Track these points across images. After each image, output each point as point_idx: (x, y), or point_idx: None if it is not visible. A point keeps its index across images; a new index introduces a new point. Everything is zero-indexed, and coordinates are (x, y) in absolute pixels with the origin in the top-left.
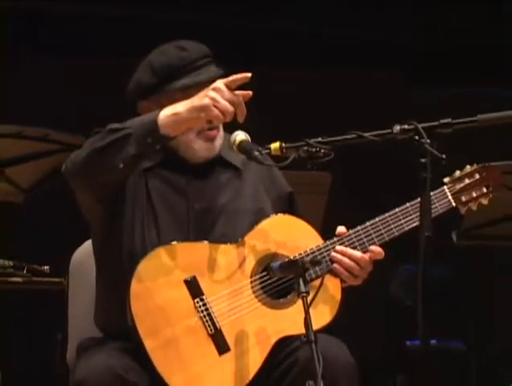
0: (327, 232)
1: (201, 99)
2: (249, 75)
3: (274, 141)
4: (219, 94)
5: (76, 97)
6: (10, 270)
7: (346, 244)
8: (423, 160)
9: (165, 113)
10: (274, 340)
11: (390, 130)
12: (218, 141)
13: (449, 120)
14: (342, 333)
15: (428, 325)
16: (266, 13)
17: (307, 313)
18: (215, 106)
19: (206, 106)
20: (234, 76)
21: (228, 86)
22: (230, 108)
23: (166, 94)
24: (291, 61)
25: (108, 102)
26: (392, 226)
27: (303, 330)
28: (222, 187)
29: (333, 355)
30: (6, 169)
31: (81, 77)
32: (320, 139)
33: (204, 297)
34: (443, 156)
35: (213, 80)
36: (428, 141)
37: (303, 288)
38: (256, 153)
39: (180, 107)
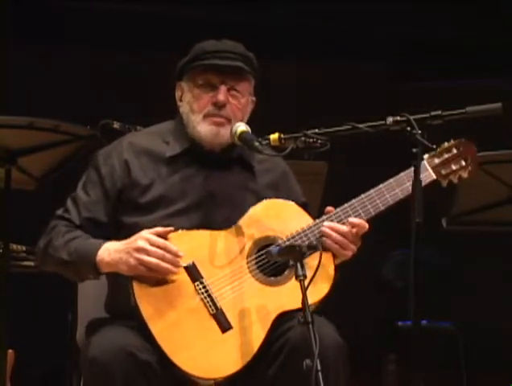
0: None
1: (128, 259)
2: (172, 228)
3: (274, 132)
4: (143, 253)
5: (80, 90)
6: (23, 255)
7: (335, 221)
8: (414, 150)
9: (102, 262)
10: (274, 315)
11: (383, 121)
12: (225, 130)
13: (439, 112)
14: (337, 314)
15: (419, 306)
16: (254, 6)
17: (304, 295)
18: (141, 265)
19: (134, 267)
20: (158, 229)
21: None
22: (154, 263)
23: (189, 73)
24: (279, 54)
25: (110, 95)
26: (377, 201)
27: (300, 305)
28: (236, 187)
29: (322, 336)
30: (19, 158)
31: (85, 70)
32: (316, 130)
33: (203, 280)
34: (434, 146)
35: (223, 66)
36: (419, 131)
37: (300, 271)
38: (256, 143)
39: (114, 266)
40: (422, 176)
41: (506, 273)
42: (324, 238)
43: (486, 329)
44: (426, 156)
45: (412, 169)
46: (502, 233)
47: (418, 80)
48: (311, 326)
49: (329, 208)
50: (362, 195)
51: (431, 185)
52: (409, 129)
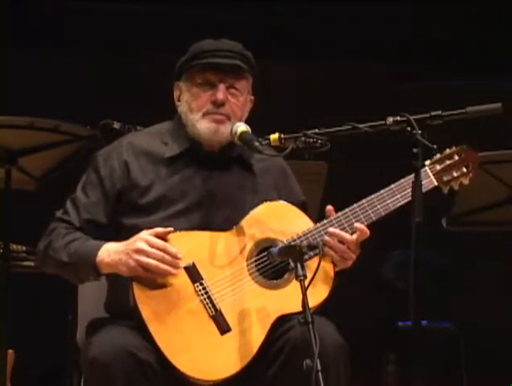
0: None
1: (127, 260)
2: (171, 229)
3: (274, 132)
4: (142, 255)
5: (80, 90)
6: (23, 255)
7: (336, 225)
8: (414, 150)
9: (102, 262)
10: (273, 318)
11: (383, 122)
12: (224, 128)
13: (439, 112)
14: (337, 314)
15: (419, 306)
16: (254, 6)
17: (304, 295)
18: (141, 267)
19: (133, 268)
20: (158, 230)
21: (157, 237)
22: (154, 265)
23: (187, 72)
24: (279, 54)
25: (110, 95)
26: (378, 206)
27: (300, 308)
28: (236, 187)
29: (322, 335)
30: (19, 158)
31: (85, 70)
32: (316, 130)
33: (203, 282)
34: (434, 146)
35: (221, 65)
36: (420, 132)
37: (300, 271)
38: (256, 143)
39: (114, 267)
40: (423, 182)
41: (506, 273)
42: (326, 248)
43: (486, 329)
44: (427, 162)
45: (413, 175)
46: (502, 233)
47: (418, 80)
48: (311, 326)
49: (329, 207)
50: (363, 200)
51: (432, 191)
52: (409, 129)
